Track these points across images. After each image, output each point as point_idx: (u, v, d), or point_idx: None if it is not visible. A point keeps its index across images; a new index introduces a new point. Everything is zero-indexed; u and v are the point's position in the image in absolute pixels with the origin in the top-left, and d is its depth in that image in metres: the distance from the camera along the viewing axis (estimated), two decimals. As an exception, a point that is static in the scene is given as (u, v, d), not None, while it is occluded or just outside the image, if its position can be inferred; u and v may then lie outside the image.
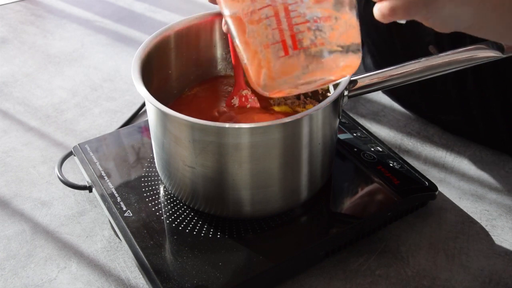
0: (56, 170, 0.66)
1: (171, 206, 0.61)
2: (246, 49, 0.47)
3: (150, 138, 0.67)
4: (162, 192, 0.63)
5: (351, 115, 0.77)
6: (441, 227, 0.63)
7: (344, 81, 0.56)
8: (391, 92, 0.83)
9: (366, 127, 0.73)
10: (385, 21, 0.46)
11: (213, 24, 0.67)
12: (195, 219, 0.59)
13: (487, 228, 0.62)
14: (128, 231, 0.57)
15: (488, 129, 0.71)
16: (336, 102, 0.56)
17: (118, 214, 0.59)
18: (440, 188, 0.66)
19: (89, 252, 0.61)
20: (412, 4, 0.44)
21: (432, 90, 0.75)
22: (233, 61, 0.66)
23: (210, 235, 0.57)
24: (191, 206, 0.60)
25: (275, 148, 0.54)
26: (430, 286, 0.56)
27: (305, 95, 0.70)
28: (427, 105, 0.77)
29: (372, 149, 0.68)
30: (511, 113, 0.69)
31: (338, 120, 0.59)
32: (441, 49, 0.64)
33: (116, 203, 0.61)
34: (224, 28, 0.54)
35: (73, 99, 0.87)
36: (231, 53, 0.66)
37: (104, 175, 0.64)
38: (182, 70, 0.68)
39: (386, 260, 0.59)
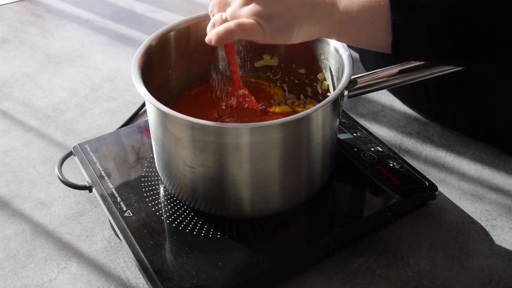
0: (56, 170, 0.66)
1: (171, 206, 0.61)
2: None
3: (150, 138, 0.67)
4: (162, 192, 0.63)
5: (351, 115, 0.77)
6: (441, 227, 0.63)
7: (344, 81, 0.56)
8: (393, 89, 0.84)
9: (366, 127, 0.73)
10: (221, 42, 0.52)
11: (213, 24, 0.67)
12: (195, 219, 0.59)
13: (487, 228, 0.62)
14: (128, 231, 0.57)
15: (488, 127, 0.72)
16: (336, 102, 0.56)
17: (118, 214, 0.59)
18: (440, 188, 0.66)
19: (89, 252, 0.61)
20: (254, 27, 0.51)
21: (434, 86, 0.75)
22: (228, 62, 0.66)
23: (210, 235, 0.57)
24: (191, 206, 0.60)
25: (275, 148, 0.54)
26: (430, 286, 0.56)
27: (305, 95, 0.70)
28: (429, 101, 0.77)
29: (372, 149, 0.68)
30: (510, 111, 0.69)
31: (338, 120, 0.59)
32: None
33: (116, 203, 0.61)
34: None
35: (73, 99, 0.87)
36: (226, 54, 0.66)
37: (104, 175, 0.64)
38: (182, 70, 0.68)
39: (386, 260, 0.59)
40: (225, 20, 0.53)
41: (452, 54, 0.50)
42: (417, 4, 0.47)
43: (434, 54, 0.51)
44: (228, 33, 0.51)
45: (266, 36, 0.51)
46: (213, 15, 0.55)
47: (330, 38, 0.58)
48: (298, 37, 0.52)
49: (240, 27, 0.51)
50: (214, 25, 0.54)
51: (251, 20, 0.51)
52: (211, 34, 0.53)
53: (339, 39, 0.54)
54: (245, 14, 0.51)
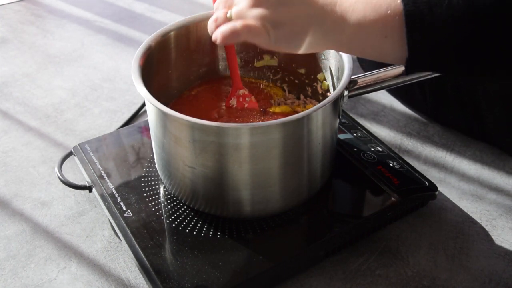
0: (56, 170, 0.66)
1: (171, 206, 0.61)
2: None
3: (150, 138, 0.67)
4: (162, 192, 0.63)
5: (351, 115, 0.77)
6: (441, 227, 0.63)
7: (344, 81, 0.56)
8: (391, 89, 0.84)
9: (366, 127, 0.73)
10: (226, 42, 0.51)
11: (213, 24, 0.67)
12: (195, 219, 0.59)
13: (487, 228, 0.62)
14: (128, 231, 0.57)
15: (487, 127, 0.72)
16: (336, 102, 0.56)
17: (118, 214, 0.59)
18: (440, 188, 0.66)
19: (89, 252, 0.61)
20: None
21: (432, 88, 0.75)
22: (228, 62, 0.66)
23: (210, 235, 0.57)
24: (191, 206, 0.60)
25: (275, 148, 0.54)
26: (430, 286, 0.56)
27: (305, 95, 0.70)
28: (427, 102, 0.77)
29: (372, 149, 0.68)
30: (508, 111, 0.69)
31: (338, 120, 0.59)
32: None
33: (116, 203, 0.61)
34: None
35: (73, 99, 0.87)
36: (226, 54, 0.66)
37: (104, 175, 0.64)
38: (182, 70, 0.68)
39: (386, 260, 0.59)
40: (229, 18, 0.51)
41: (468, 69, 0.49)
42: (434, 20, 0.45)
43: (449, 69, 0.49)
44: (234, 33, 0.50)
45: (271, 42, 0.50)
46: (217, 10, 0.54)
47: (340, 51, 0.56)
48: (304, 48, 0.51)
49: (247, 28, 0.50)
50: (216, 21, 0.52)
51: (258, 24, 0.50)
52: (217, 33, 0.51)
53: (349, 52, 0.53)
54: (252, 16, 0.50)
